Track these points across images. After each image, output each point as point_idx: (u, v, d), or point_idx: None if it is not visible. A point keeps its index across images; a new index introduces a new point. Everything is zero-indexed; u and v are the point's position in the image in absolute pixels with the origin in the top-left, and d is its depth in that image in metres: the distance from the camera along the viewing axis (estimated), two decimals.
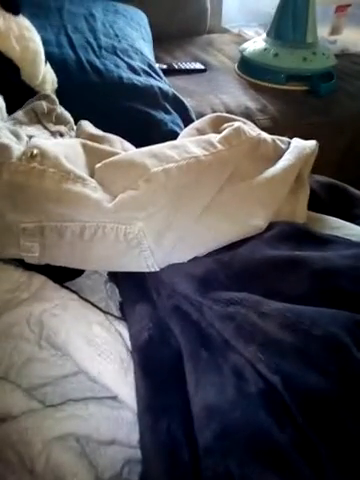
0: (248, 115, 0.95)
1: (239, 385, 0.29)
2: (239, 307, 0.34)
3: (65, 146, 0.39)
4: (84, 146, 0.41)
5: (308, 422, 0.26)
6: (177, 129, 0.75)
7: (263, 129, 0.62)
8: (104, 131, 0.53)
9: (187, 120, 0.78)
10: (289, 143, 0.51)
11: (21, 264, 0.38)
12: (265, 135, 0.51)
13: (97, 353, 0.32)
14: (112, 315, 0.39)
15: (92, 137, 0.47)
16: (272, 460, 0.25)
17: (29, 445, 0.28)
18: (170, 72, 1.06)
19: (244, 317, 0.33)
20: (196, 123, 0.52)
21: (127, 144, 0.50)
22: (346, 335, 0.29)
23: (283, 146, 0.50)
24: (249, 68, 1.10)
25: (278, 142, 0.51)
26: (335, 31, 1.27)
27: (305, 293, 0.34)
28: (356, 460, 0.25)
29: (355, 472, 0.25)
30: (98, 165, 0.38)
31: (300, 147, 0.49)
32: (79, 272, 0.43)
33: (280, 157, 0.48)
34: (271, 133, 0.55)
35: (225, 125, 0.49)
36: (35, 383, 0.32)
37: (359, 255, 0.36)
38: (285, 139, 0.53)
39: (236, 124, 0.47)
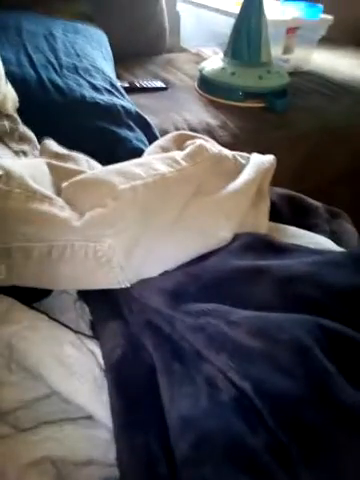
0: (209, 131, 0.98)
1: (212, 394, 0.30)
2: (209, 318, 0.35)
3: (30, 166, 0.39)
4: (49, 165, 0.41)
5: (278, 424, 0.27)
6: (141, 146, 0.76)
7: (224, 145, 0.64)
8: (69, 149, 0.54)
9: (151, 137, 0.80)
10: (248, 158, 0.54)
11: None
12: (226, 151, 0.53)
13: (69, 373, 0.32)
14: (83, 334, 0.39)
15: (57, 156, 0.47)
16: (246, 465, 0.26)
17: (2, 474, 0.27)
18: (132, 90, 1.08)
19: (214, 327, 0.34)
20: (160, 141, 0.54)
21: (93, 162, 0.51)
22: (310, 338, 0.30)
23: (243, 161, 0.53)
24: (208, 86, 1.14)
25: (238, 158, 0.53)
26: (287, 50, 1.35)
27: (270, 300, 0.36)
28: (325, 457, 0.26)
29: (324, 469, 0.26)
30: (65, 184, 0.38)
31: (259, 162, 0.52)
32: (46, 292, 0.42)
33: (241, 172, 0.51)
34: (232, 148, 0.58)
35: (188, 142, 0.51)
36: (7, 408, 0.31)
37: (318, 262, 0.38)
38: (245, 154, 0.55)
39: (198, 141, 0.49)
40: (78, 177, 0.38)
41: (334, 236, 0.56)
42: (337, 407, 0.28)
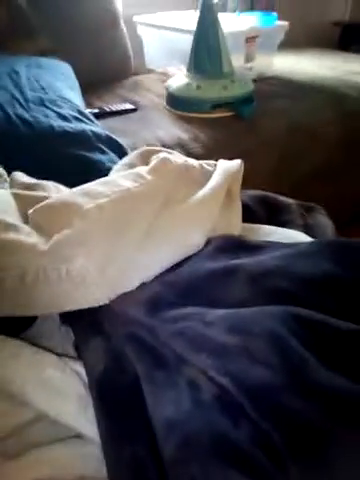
0: (182, 145, 1.00)
1: (194, 395, 0.30)
2: (187, 321, 0.35)
3: None
4: (15, 195, 0.42)
5: (260, 415, 0.27)
6: None
7: (196, 156, 0.66)
8: (43, 179, 0.55)
9: (123, 157, 0.82)
10: (215, 165, 0.55)
11: None
12: (192, 161, 0.54)
13: (53, 394, 0.32)
14: (67, 356, 0.39)
15: (25, 186, 0.48)
16: (233, 459, 0.26)
17: None
18: (102, 115, 1.10)
19: (192, 330, 0.34)
20: (125, 159, 0.55)
21: (62, 188, 0.52)
22: (283, 327, 0.31)
23: (210, 168, 0.54)
24: (176, 102, 1.17)
25: (205, 166, 0.55)
26: (249, 59, 1.39)
27: (244, 297, 0.36)
28: (308, 441, 0.26)
29: (308, 454, 0.26)
30: (31, 210, 0.39)
31: (225, 167, 0.53)
32: (30, 322, 0.42)
33: (209, 179, 0.52)
34: (205, 159, 0.59)
35: (153, 157, 0.52)
36: None
37: (287, 254, 0.39)
38: (212, 162, 0.57)
39: (162, 155, 0.50)
40: (43, 202, 0.39)
41: (308, 229, 0.58)
42: (315, 391, 0.28)
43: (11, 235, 0.35)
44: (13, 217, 0.38)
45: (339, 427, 0.27)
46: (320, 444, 0.26)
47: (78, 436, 0.32)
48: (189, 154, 0.96)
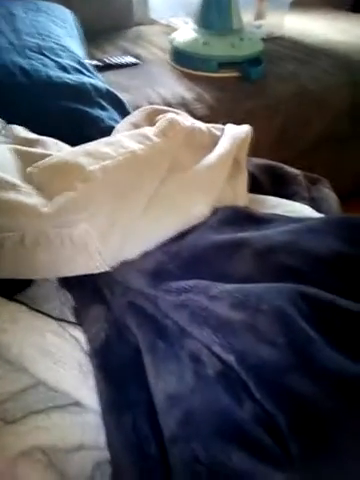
0: (185, 105, 0.96)
1: (197, 370, 0.30)
2: (191, 294, 0.34)
3: None
4: (15, 151, 0.39)
5: (264, 394, 0.27)
6: (115, 125, 0.74)
7: (200, 117, 0.63)
8: (39, 134, 0.51)
9: (124, 115, 0.77)
10: (224, 130, 0.53)
11: None
12: (199, 124, 0.52)
13: (53, 362, 0.32)
14: (67, 321, 0.38)
15: (25, 141, 0.45)
16: (235, 438, 0.26)
17: None
18: (103, 68, 1.04)
19: (196, 303, 0.34)
20: (130, 117, 0.52)
21: (62, 145, 0.49)
22: (291, 306, 0.30)
23: (218, 133, 0.52)
24: (181, 58, 1.10)
25: (213, 130, 0.52)
26: (259, 16, 1.31)
27: (250, 272, 0.36)
28: (312, 422, 0.26)
29: (312, 435, 0.26)
30: (31, 169, 0.36)
31: (233, 133, 0.51)
32: (28, 282, 0.42)
33: (216, 144, 0.49)
34: (208, 121, 0.56)
35: (159, 117, 0.49)
36: None
37: (296, 230, 0.38)
38: (219, 126, 0.54)
39: (170, 115, 0.47)
40: (44, 161, 0.37)
41: (314, 203, 0.56)
42: (321, 373, 0.28)
43: (11, 195, 0.33)
44: (13, 175, 0.36)
45: (343, 410, 0.27)
46: (324, 426, 0.26)
47: (77, 403, 0.32)
48: (192, 114, 0.91)
